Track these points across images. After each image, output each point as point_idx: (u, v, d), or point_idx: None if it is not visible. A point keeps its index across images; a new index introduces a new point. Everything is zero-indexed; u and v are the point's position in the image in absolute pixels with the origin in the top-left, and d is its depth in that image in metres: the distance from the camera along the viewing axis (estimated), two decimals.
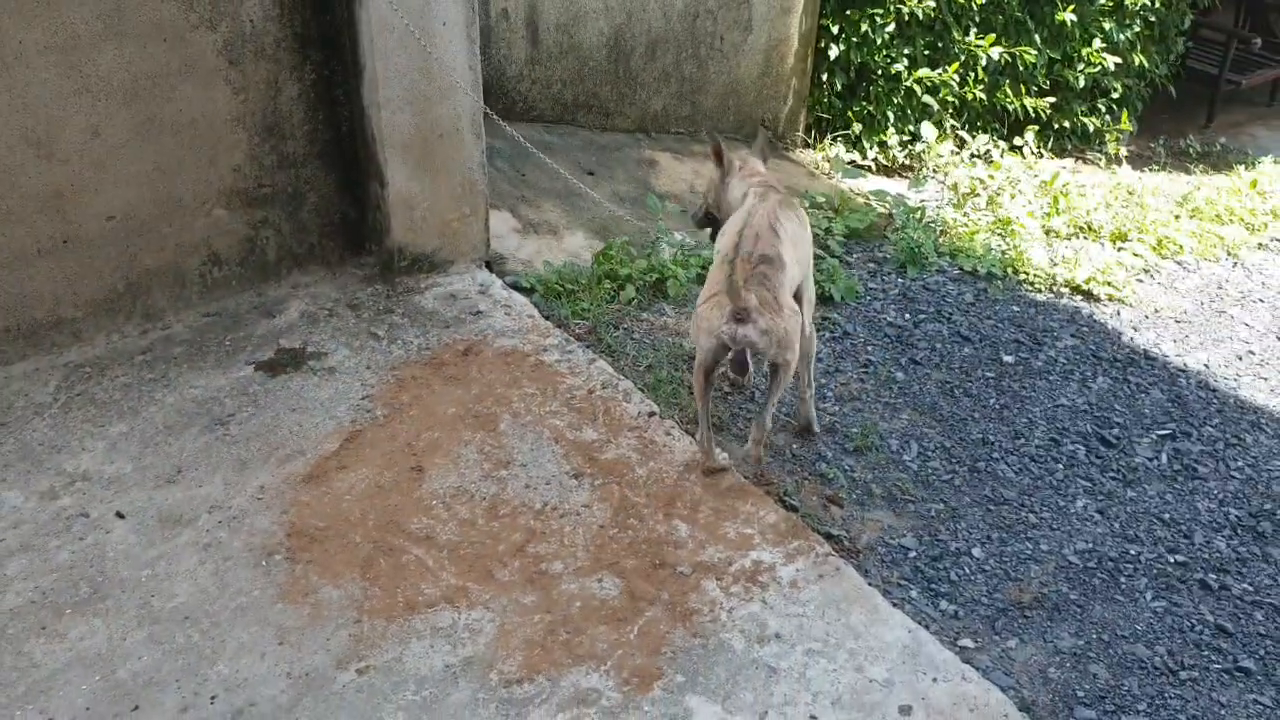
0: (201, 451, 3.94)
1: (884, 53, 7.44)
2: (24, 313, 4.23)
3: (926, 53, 7.62)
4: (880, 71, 7.51)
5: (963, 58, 7.66)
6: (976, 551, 3.92)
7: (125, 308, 4.46)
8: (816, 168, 7.49)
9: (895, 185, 7.45)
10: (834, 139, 7.70)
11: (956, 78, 7.60)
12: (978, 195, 7.07)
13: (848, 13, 7.37)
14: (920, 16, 7.31)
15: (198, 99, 4.28)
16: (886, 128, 7.65)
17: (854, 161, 7.65)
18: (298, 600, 3.38)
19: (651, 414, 4.23)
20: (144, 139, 4.22)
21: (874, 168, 7.72)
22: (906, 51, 7.50)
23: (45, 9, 3.86)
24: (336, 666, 3.17)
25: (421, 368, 4.44)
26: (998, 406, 4.79)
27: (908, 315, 5.44)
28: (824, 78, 7.61)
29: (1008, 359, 5.16)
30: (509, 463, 3.95)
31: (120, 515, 3.67)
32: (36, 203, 4.08)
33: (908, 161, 7.79)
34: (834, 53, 7.41)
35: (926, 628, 3.47)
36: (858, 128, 7.65)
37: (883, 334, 5.21)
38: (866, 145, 7.67)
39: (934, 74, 7.53)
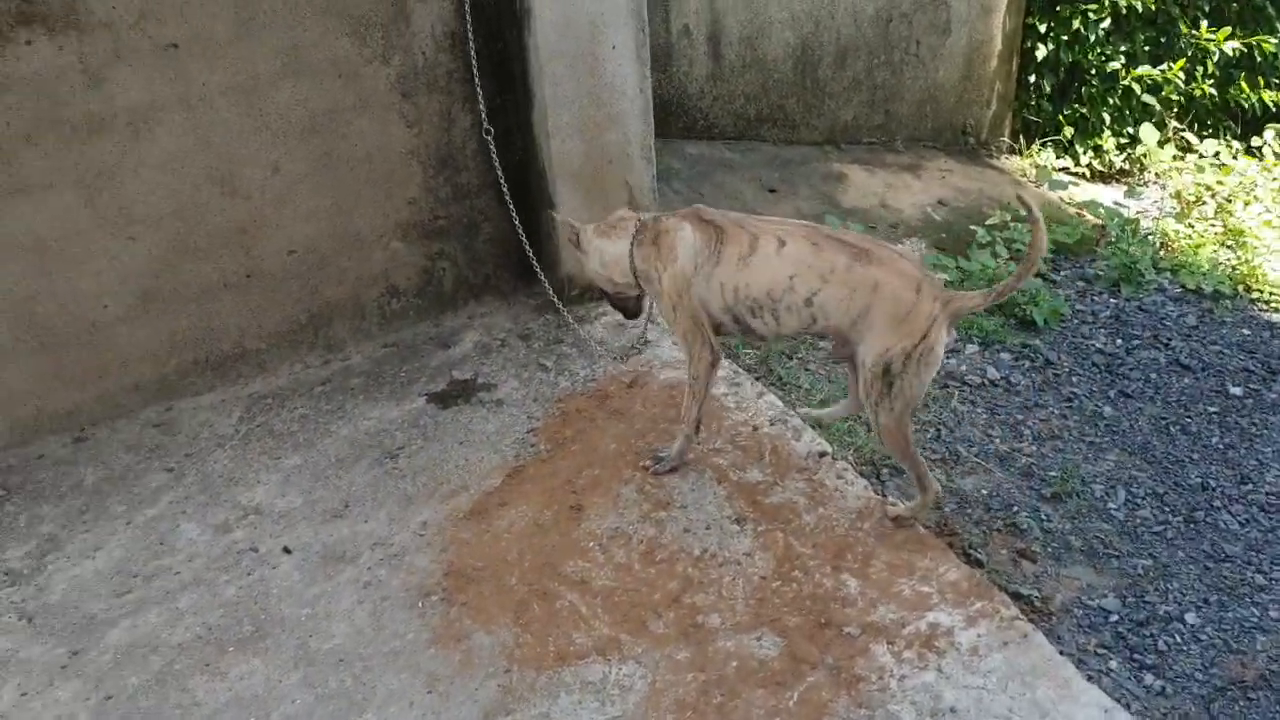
0: (370, 485, 3.97)
1: (1098, 50, 6.89)
2: (211, 345, 4.38)
3: (1147, 48, 7.01)
4: (1094, 71, 6.96)
5: (1189, 52, 7.01)
6: (1191, 617, 3.49)
7: (307, 339, 4.56)
8: (1023, 175, 7.00)
9: (1110, 193, 6.88)
10: (1043, 144, 7.18)
11: (1182, 74, 6.96)
12: (1204, 203, 6.43)
13: (1057, 10, 6.85)
14: (1140, 9, 6.72)
15: (372, 133, 4.33)
16: (1101, 131, 7.08)
17: (1065, 168, 7.12)
18: (450, 646, 3.32)
19: (822, 454, 3.98)
20: (321, 174, 4.29)
21: (1087, 174, 7.16)
22: (1124, 48, 6.92)
23: (228, 51, 3.97)
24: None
25: (587, 400, 4.34)
26: (1221, 446, 4.29)
27: (1119, 341, 4.96)
28: (1031, 79, 7.10)
29: (1235, 391, 4.62)
30: (668, 504, 3.79)
31: (287, 550, 3.72)
32: (221, 238, 4.22)
33: (1125, 166, 7.19)
34: (1042, 52, 6.91)
35: (1127, 707, 3.10)
36: (1069, 132, 7.11)
37: (1090, 363, 4.77)
38: (1079, 150, 7.13)
39: (1156, 71, 6.91)
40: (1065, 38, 6.88)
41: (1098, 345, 4.89)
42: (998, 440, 4.23)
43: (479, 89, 4.41)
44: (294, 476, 4.04)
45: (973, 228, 5.80)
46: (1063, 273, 5.64)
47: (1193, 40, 7.01)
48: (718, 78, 6.04)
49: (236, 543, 3.76)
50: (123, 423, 4.34)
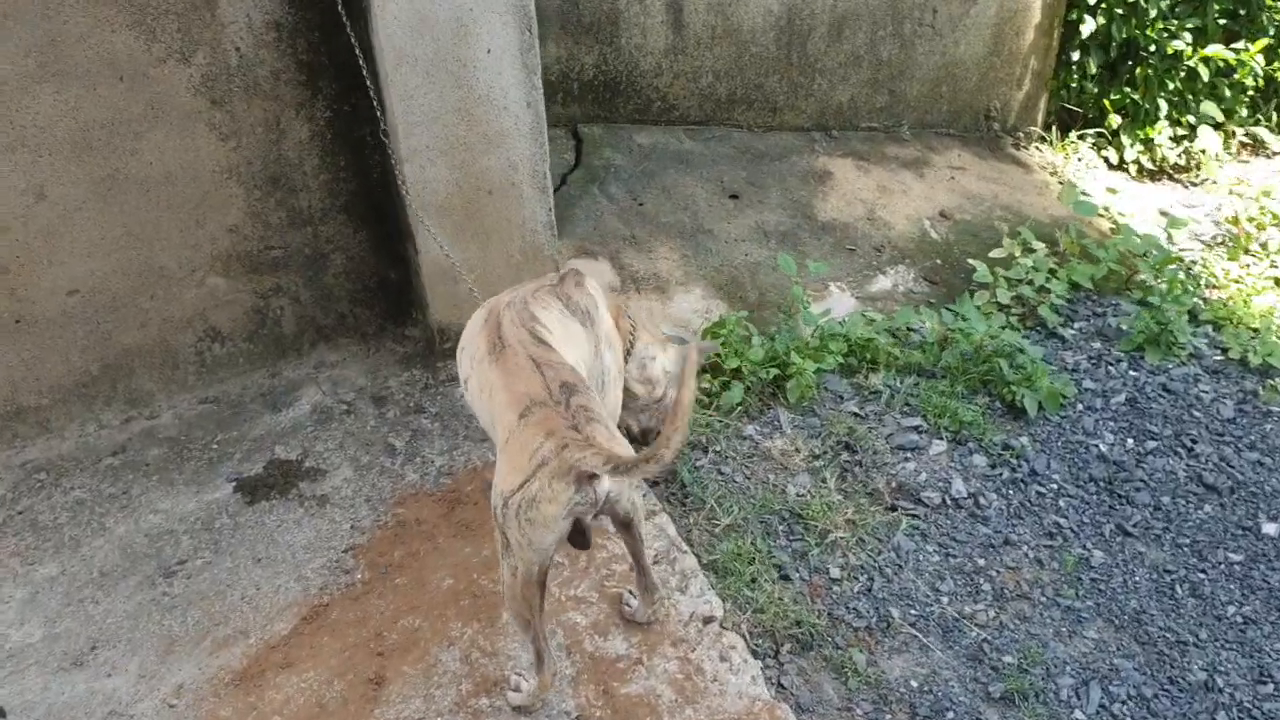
0: (129, 617, 3.12)
1: (1160, 25, 5.66)
2: None
3: (1222, 22, 5.77)
4: (1153, 49, 5.73)
5: (1273, 30, 5.76)
6: None
7: (103, 393, 3.67)
8: (1053, 172, 5.85)
9: (1158, 196, 5.74)
10: (1081, 135, 6.01)
11: (1261, 57, 5.74)
12: (1265, 230, 5.28)
13: None
14: None
15: (172, 149, 3.35)
16: (1155, 120, 5.89)
17: (1107, 162, 5.96)
18: None
19: (709, 619, 3.06)
20: (105, 199, 3.35)
21: (1133, 171, 5.99)
22: (1192, 24, 5.68)
23: None
24: None
25: (433, 505, 3.43)
26: (1239, 620, 3.31)
27: (1130, 441, 3.93)
28: (1074, 57, 5.89)
29: (1269, 530, 3.62)
30: (496, 684, 2.90)
31: (2, 714, 2.90)
32: None
33: (1181, 161, 6.01)
34: (1090, 26, 5.69)
35: None
36: (1115, 120, 5.92)
37: (1086, 476, 3.76)
38: (1124, 142, 5.95)
39: (1229, 52, 5.68)
40: (1120, 10, 5.64)
41: (1101, 449, 3.87)
42: (946, 599, 3.28)
43: (318, 92, 3.40)
44: (43, 595, 3.20)
45: (971, 262, 4.73)
46: (1077, 324, 4.58)
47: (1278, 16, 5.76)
48: (679, 51, 4.94)
49: None
50: None
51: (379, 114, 3.37)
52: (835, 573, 3.30)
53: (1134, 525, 3.59)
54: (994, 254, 4.79)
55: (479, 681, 2.93)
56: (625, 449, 2.53)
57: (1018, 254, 4.75)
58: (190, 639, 3.07)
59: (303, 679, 2.96)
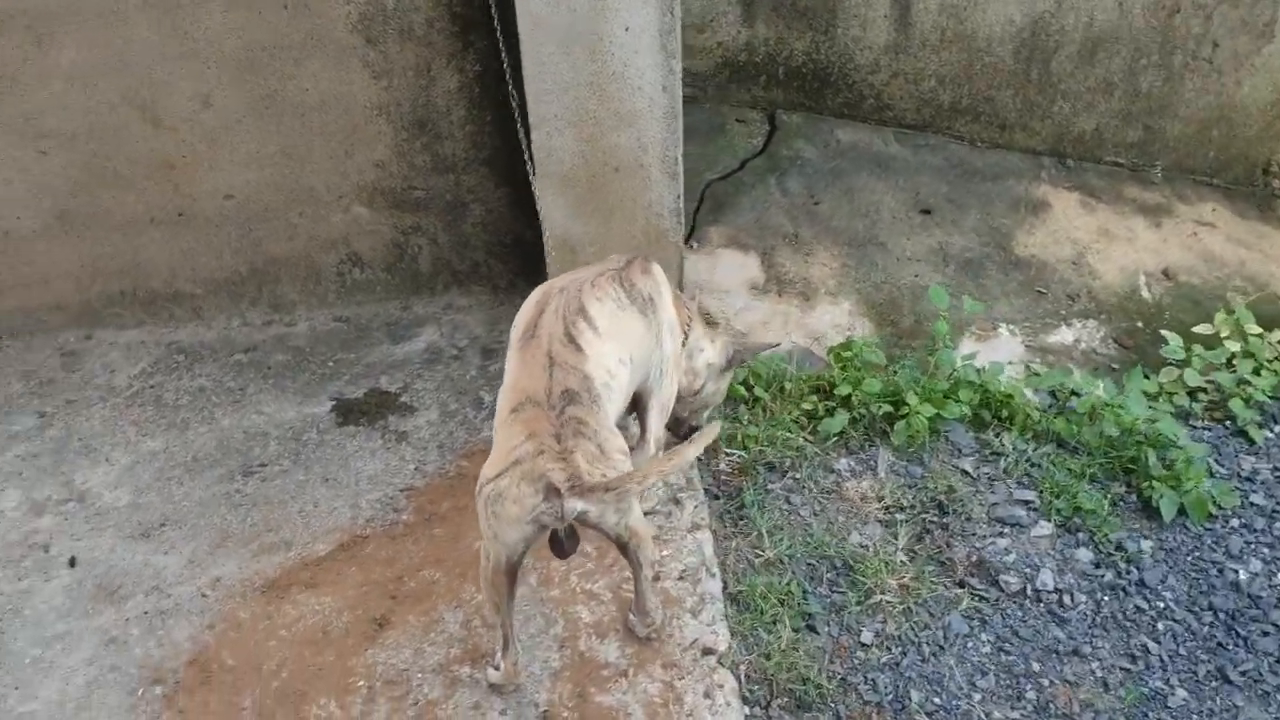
0: (200, 504, 3.39)
1: None
2: (140, 279, 3.89)
3: None
4: None
5: None
6: None
7: (250, 293, 3.97)
8: None
9: None
10: None
11: None
12: None
13: None
14: None
15: (327, 79, 3.53)
16: None
17: None
18: None
19: (709, 651, 2.95)
20: (264, 117, 3.58)
21: None
22: None
23: None
24: None
25: None
26: None
27: (1279, 578, 3.42)
28: None
29: None
30: (485, 656, 2.94)
31: (72, 563, 3.24)
32: (145, 169, 3.65)
33: None
34: None
35: None
36: None
37: (1206, 604, 3.31)
38: None
39: None
40: None
41: (1239, 577, 3.39)
42: (979, 695, 2.99)
43: (470, 45, 3.47)
44: (141, 465, 3.53)
45: (1164, 333, 4.21)
46: (1278, 429, 3.99)
47: None
48: (901, 50, 4.65)
49: (37, 532, 3.33)
50: (39, 339, 3.98)
51: (508, 77, 3.39)
52: (867, 637, 3.09)
53: (1241, 673, 3.12)
54: (1198, 328, 4.24)
55: (469, 650, 2.97)
56: (611, 468, 2.46)
57: (1226, 334, 4.18)
58: (241, 538, 3.30)
59: (319, 602, 3.11)
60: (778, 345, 3.70)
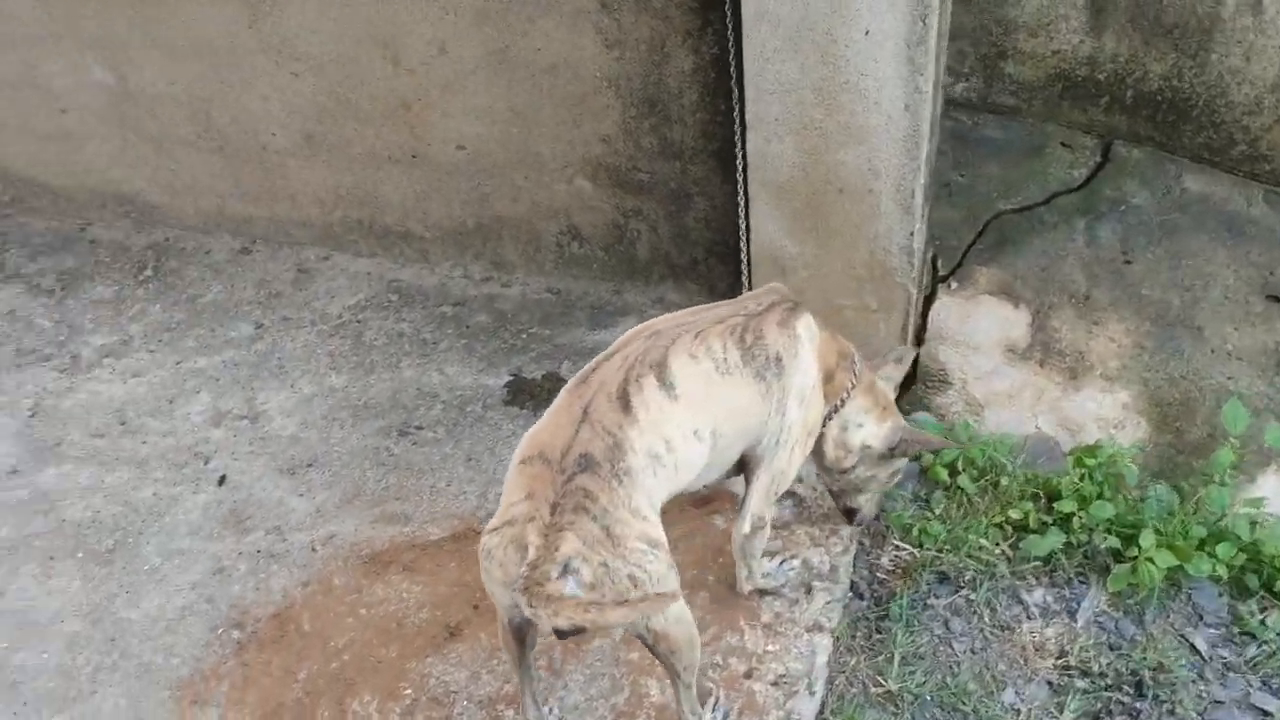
0: (349, 456, 3.38)
1: None
2: (376, 212, 3.91)
3: None
4: None
5: None
6: None
7: (474, 247, 3.88)
8: None
9: None
10: None
11: None
12: None
13: None
14: None
15: (559, 41, 3.29)
16: None
17: None
18: (184, 705, 2.78)
19: None
20: (496, 71, 3.41)
21: None
22: None
23: None
24: None
25: None
26: None
27: None
28: None
29: None
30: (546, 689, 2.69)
31: (221, 481, 3.34)
32: (384, 107, 3.62)
33: None
34: None
35: None
36: None
37: None
38: None
39: None
40: None
41: None
42: None
43: (708, 25, 3.09)
44: (318, 400, 3.57)
45: None
46: None
47: None
48: None
49: (207, 442, 3.47)
50: (284, 252, 4.13)
51: (731, 68, 2.96)
52: None
53: None
54: None
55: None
56: (619, 558, 2.06)
57: None
58: (370, 499, 3.24)
59: (408, 590, 2.99)
60: (950, 446, 3.05)
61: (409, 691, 2.76)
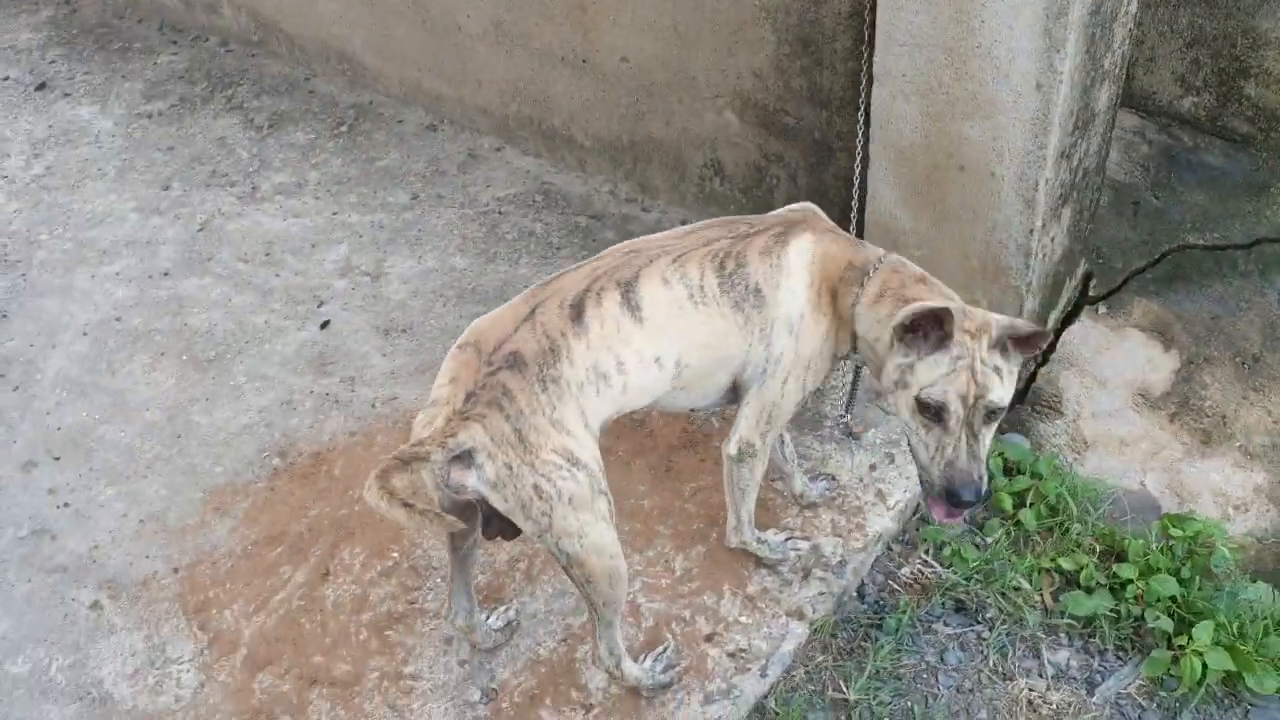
0: (438, 333, 3.46)
1: None
2: (545, 113, 3.96)
3: None
4: None
5: None
6: None
7: (625, 165, 3.85)
8: None
9: None
10: None
11: None
12: None
13: None
14: None
15: None
16: None
17: None
18: (190, 518, 2.99)
19: None
20: None
21: None
22: None
23: None
24: None
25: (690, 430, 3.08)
26: None
27: None
28: None
29: None
30: (504, 599, 2.69)
31: (323, 325, 3.53)
32: (563, 6, 3.63)
33: None
34: None
35: None
36: None
37: None
38: None
39: None
40: None
41: None
42: None
43: None
44: (435, 275, 3.69)
45: None
46: None
47: None
48: None
49: (328, 289, 3.68)
50: (464, 135, 4.26)
51: (866, 11, 2.75)
52: None
53: None
54: None
55: (493, 588, 2.73)
56: (528, 466, 2.00)
57: None
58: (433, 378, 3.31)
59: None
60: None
61: (395, 555, 2.83)
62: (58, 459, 3.15)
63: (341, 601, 2.74)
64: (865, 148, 2.91)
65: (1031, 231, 2.72)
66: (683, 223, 3.70)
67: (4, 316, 3.64)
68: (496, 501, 2.03)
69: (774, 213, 2.40)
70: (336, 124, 4.40)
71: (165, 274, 3.76)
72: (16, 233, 3.98)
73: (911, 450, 2.17)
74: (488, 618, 2.60)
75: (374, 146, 4.26)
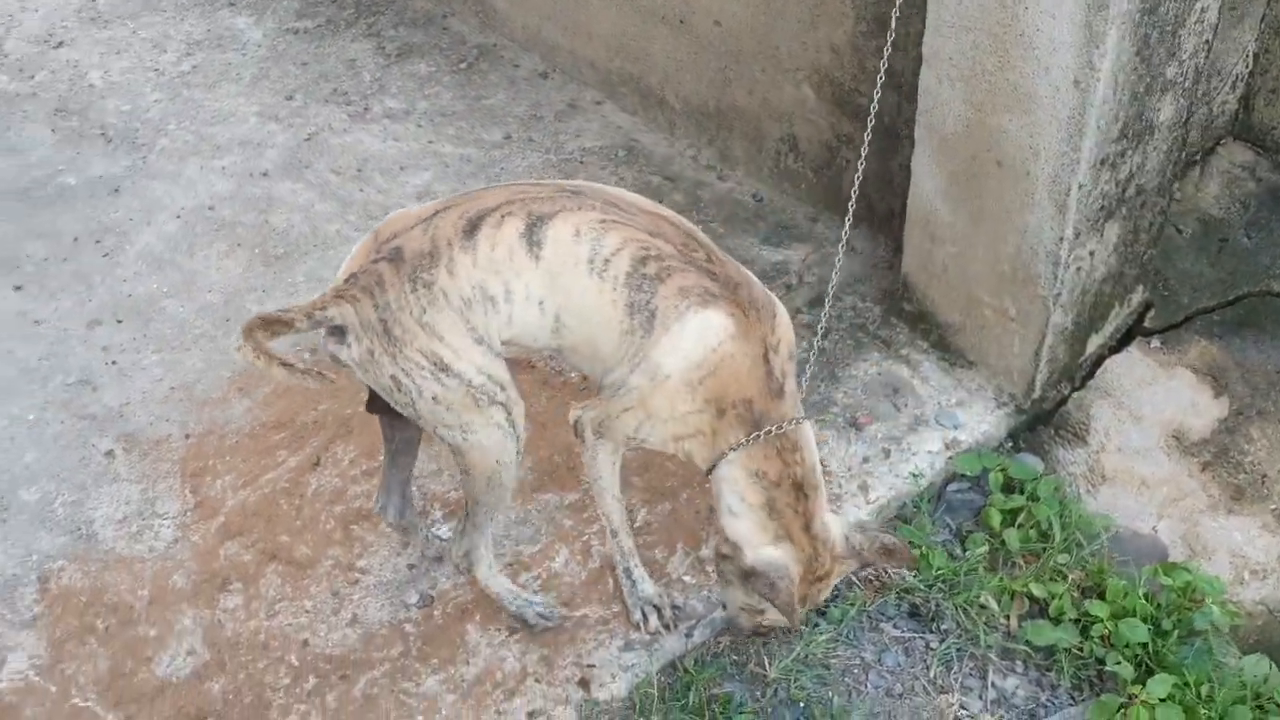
0: None
1: None
2: (644, 71, 3.98)
3: None
4: None
5: None
6: None
7: (709, 132, 3.84)
8: None
9: None
10: None
11: None
12: None
13: None
14: None
15: None
16: None
17: None
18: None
19: (582, 682, 2.41)
20: None
21: None
22: None
23: None
24: None
25: None
26: None
27: None
28: None
29: None
30: (449, 508, 2.76)
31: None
32: None
33: None
34: None
35: None
36: None
37: None
38: None
39: None
40: None
41: None
42: None
43: None
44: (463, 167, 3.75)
45: None
46: None
47: None
48: None
49: (400, 208, 3.78)
50: (571, 87, 4.33)
51: None
52: None
53: None
54: None
55: (442, 500, 2.80)
56: (389, 357, 2.08)
57: None
58: None
59: None
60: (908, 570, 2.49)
61: (381, 459, 2.92)
62: (120, 322, 3.39)
63: (321, 491, 2.86)
64: (912, 134, 2.82)
65: (1062, 239, 2.58)
66: (754, 196, 3.69)
67: (116, 191, 3.92)
68: (364, 379, 2.10)
69: (739, 267, 2.22)
70: (458, 61, 4.54)
71: (264, 174, 3.98)
72: (150, 120, 4.29)
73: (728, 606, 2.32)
74: (437, 527, 2.66)
75: (485, 86, 4.38)
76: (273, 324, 2.04)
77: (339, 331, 2.07)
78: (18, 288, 3.50)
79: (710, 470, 2.17)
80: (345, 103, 4.33)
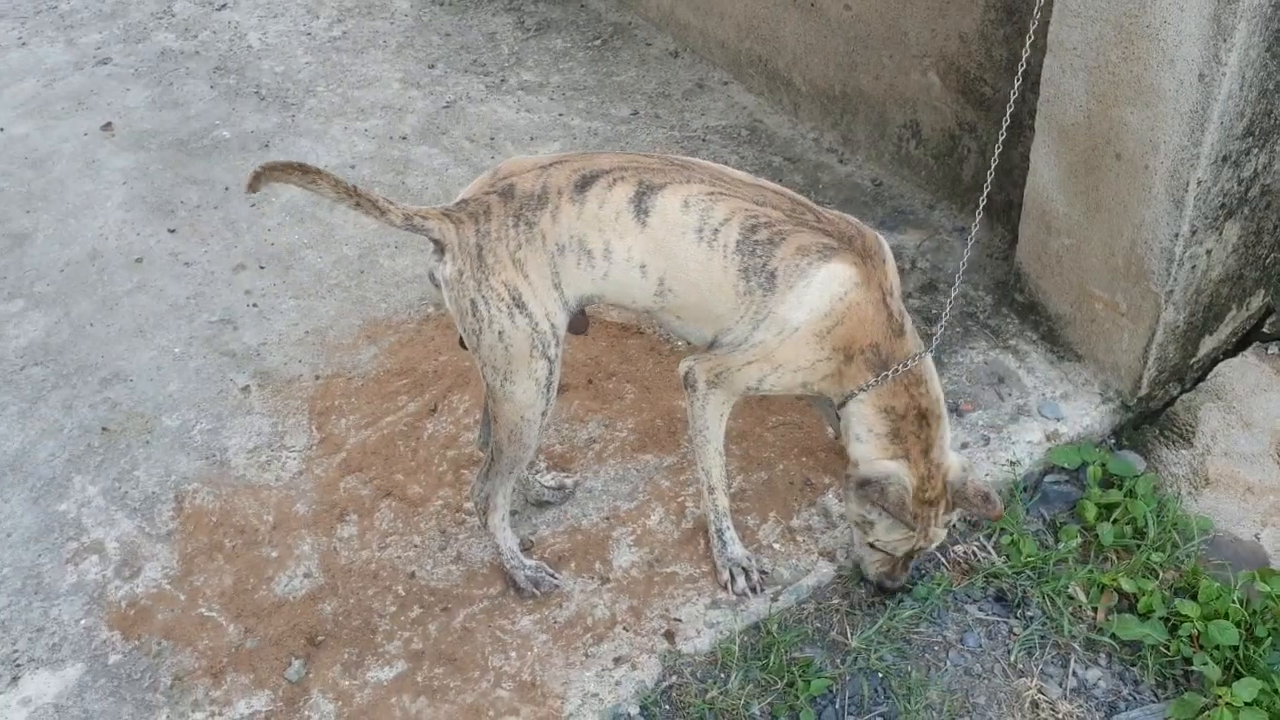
0: None
1: None
2: (773, 52, 4.05)
3: None
4: None
5: None
6: None
7: (834, 115, 3.88)
8: None
9: None
10: None
11: None
12: None
13: None
14: None
15: None
16: None
17: None
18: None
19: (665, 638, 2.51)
20: None
21: None
22: None
23: None
24: None
25: None
26: None
27: None
28: None
29: None
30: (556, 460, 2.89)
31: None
32: None
33: None
34: None
35: None
36: None
37: None
38: None
39: None
40: None
41: None
42: None
43: None
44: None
45: None
46: None
47: None
48: None
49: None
50: (701, 67, 4.43)
51: None
52: None
53: None
54: None
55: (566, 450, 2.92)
56: (486, 285, 2.19)
57: None
58: None
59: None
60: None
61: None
62: (263, 268, 3.62)
63: (437, 435, 3.02)
64: (1034, 123, 2.82)
65: (1177, 235, 2.56)
66: (874, 180, 3.72)
67: (266, 146, 4.16)
68: (446, 298, 2.22)
69: (844, 217, 2.32)
70: (593, 37, 4.67)
71: (403, 138, 4.17)
72: (300, 81, 4.53)
73: (854, 545, 2.50)
74: (543, 476, 2.79)
75: (618, 63, 4.50)
76: (364, 199, 2.14)
77: (440, 250, 2.20)
78: (172, 230, 3.75)
79: (841, 405, 2.30)
80: (483, 73, 4.50)
